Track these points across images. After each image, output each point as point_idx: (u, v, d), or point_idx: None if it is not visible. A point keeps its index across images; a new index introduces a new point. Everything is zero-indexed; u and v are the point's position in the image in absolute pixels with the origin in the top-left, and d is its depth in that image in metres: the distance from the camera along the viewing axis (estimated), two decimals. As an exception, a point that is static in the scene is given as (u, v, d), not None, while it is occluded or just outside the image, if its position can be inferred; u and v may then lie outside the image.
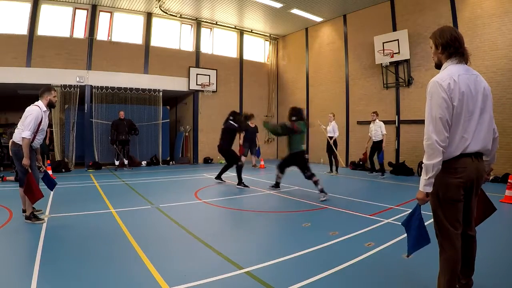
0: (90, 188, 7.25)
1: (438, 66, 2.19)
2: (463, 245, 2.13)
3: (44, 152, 10.34)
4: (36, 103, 4.43)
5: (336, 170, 9.89)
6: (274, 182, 7.12)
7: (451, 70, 2.05)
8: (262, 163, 11.76)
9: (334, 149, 9.77)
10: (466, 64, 2.10)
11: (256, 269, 2.90)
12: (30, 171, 4.30)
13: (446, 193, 2.03)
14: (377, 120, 9.16)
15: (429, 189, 2.02)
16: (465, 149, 2.00)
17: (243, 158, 10.83)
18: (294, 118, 6.50)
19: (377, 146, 9.15)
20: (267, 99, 15.46)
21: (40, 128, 4.37)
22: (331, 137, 9.78)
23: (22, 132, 4.21)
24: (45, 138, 9.95)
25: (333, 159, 9.88)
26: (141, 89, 12.03)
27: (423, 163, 2.04)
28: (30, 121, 4.21)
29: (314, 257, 3.21)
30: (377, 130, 9.08)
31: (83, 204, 5.58)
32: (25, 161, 4.22)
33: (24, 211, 4.48)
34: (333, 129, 9.84)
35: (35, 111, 4.29)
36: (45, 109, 4.44)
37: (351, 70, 11.97)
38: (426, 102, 2.06)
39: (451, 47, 2.07)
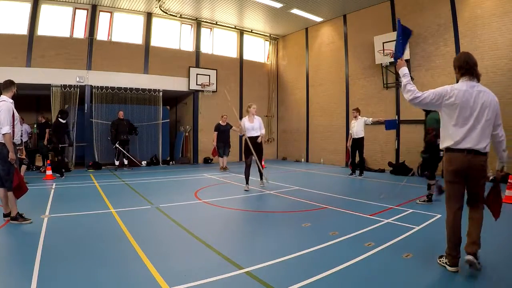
0: (90, 188, 7.25)
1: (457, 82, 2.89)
2: (470, 219, 2.85)
3: (43, 153, 10.36)
4: (0, 97, 4.34)
5: (261, 177, 7.63)
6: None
7: (458, 85, 2.81)
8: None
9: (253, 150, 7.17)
10: (478, 81, 2.80)
11: (256, 269, 2.90)
12: (16, 166, 4.29)
13: (447, 176, 2.87)
14: (359, 117, 8.93)
15: (404, 64, 3.12)
16: (457, 144, 2.76)
17: (220, 160, 10.77)
18: None
19: (359, 144, 8.86)
20: (267, 99, 15.45)
21: (15, 119, 4.32)
22: (255, 137, 7.24)
23: (1, 129, 4.14)
24: (43, 139, 10.02)
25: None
26: (141, 89, 12.04)
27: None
28: (4, 116, 4.16)
29: (314, 257, 3.21)
30: (360, 126, 8.83)
31: (83, 204, 5.59)
32: (12, 155, 4.19)
33: (5, 215, 4.39)
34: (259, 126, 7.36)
35: (4, 105, 4.23)
36: (11, 100, 4.38)
37: (351, 70, 11.96)
38: None
39: (463, 68, 2.81)
